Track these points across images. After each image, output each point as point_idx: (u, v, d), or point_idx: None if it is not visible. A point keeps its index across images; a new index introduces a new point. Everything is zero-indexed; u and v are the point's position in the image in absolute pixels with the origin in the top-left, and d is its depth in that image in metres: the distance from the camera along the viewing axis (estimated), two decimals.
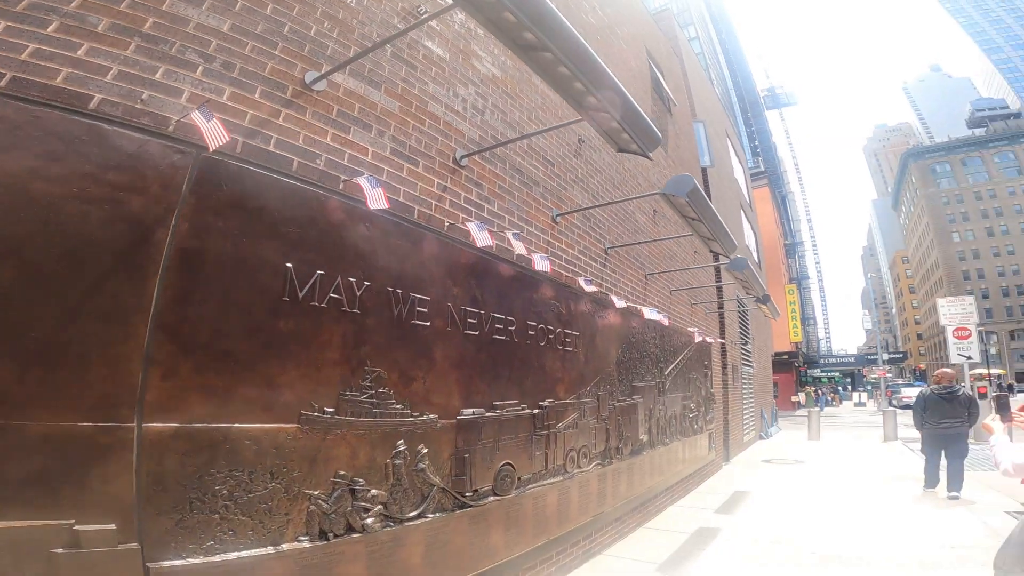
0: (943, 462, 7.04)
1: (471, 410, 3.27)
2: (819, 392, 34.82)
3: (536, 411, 3.98)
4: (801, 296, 39.66)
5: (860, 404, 36.30)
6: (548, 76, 2.67)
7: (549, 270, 3.94)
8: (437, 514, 2.93)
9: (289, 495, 2.16)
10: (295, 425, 2.21)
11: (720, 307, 10.93)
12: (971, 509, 5.95)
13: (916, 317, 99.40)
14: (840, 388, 45.21)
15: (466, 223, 3.38)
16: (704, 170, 12.38)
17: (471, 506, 3.22)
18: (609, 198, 6.09)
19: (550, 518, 4.13)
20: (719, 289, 10.86)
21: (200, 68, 2.28)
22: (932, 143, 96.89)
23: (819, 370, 45.06)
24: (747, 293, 7.82)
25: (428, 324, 2.99)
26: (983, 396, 13.83)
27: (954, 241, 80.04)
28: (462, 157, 3.71)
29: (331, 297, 2.43)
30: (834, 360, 52.21)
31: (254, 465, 2.04)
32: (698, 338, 8.45)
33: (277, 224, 2.27)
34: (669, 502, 6.94)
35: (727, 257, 5.55)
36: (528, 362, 3.96)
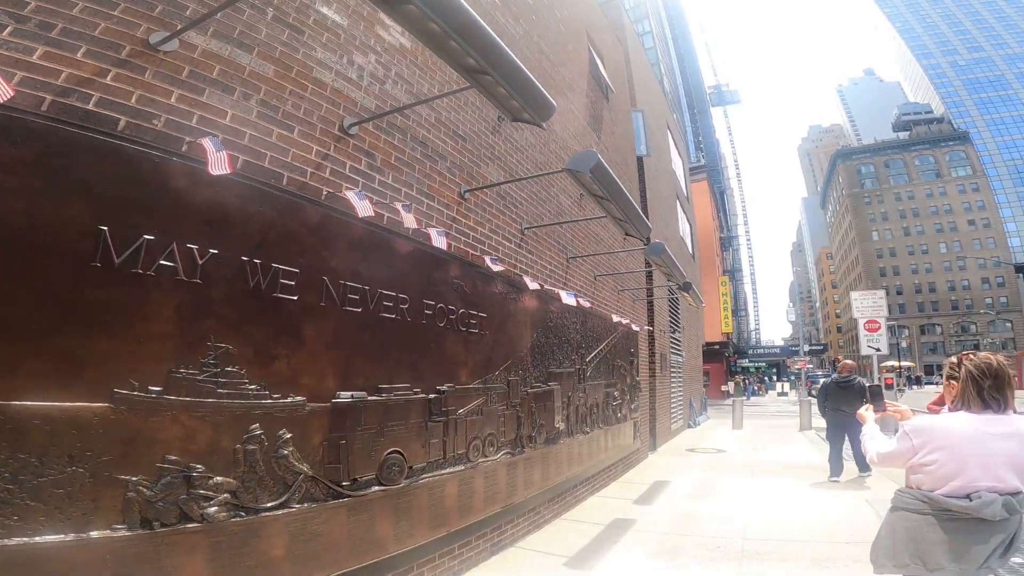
0: (849, 451, 7.63)
1: (349, 393, 3.07)
2: (747, 382, 36.55)
3: (432, 396, 3.83)
4: (734, 288, 41.42)
5: (783, 394, 38.35)
6: (421, 35, 2.50)
7: (446, 246, 3.78)
8: (305, 504, 2.73)
9: (97, 480, 1.91)
10: (106, 404, 1.95)
11: (649, 294, 11.14)
12: (869, 501, 6.23)
13: (837, 311, 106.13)
14: (766, 378, 47.65)
15: (346, 192, 3.16)
16: (640, 159, 12.54)
17: (349, 496, 3.04)
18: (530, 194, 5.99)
19: (450, 509, 3.99)
20: (649, 276, 11.07)
21: (8, 29, 2.03)
22: (860, 145, 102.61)
23: (747, 360, 47.32)
24: (668, 280, 7.94)
25: (295, 298, 2.77)
26: (889, 387, 14.78)
27: (873, 239, 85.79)
28: (351, 125, 3.48)
29: (161, 264, 2.17)
30: (762, 351, 55.00)
31: (46, 447, 1.78)
32: (624, 325, 8.56)
33: (91, 185, 2.00)
34: (590, 492, 6.98)
35: (641, 240, 5.55)
36: (424, 343, 3.80)
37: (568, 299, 5.73)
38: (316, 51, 3.39)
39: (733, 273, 43.67)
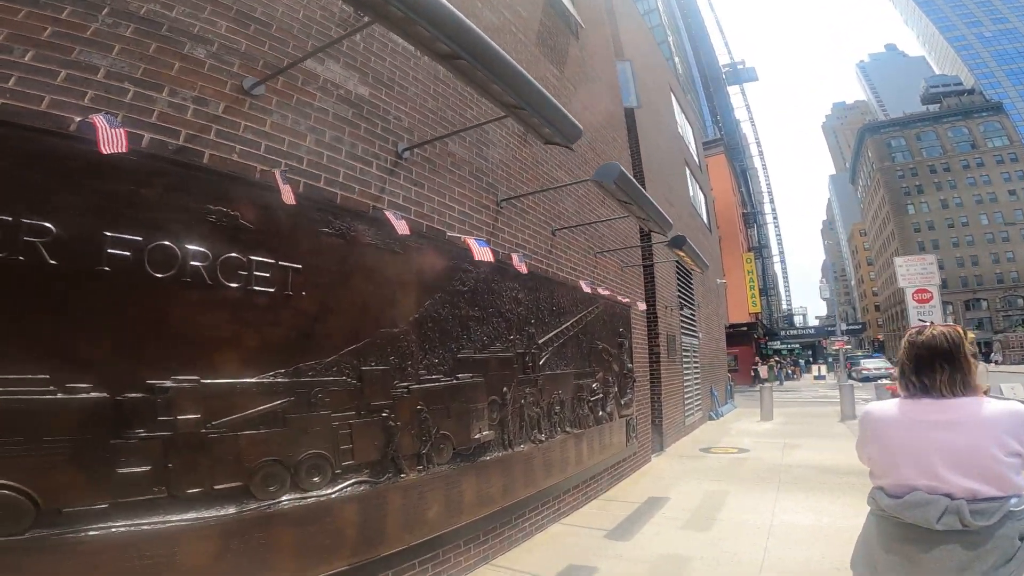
0: None
1: None
2: (780, 365, 33.73)
3: (132, 397, 2.05)
4: (761, 266, 38.46)
5: (820, 377, 35.28)
6: None
7: (124, 146, 1.97)
8: None
9: None
10: None
11: (646, 259, 9.18)
12: None
13: (874, 289, 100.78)
14: (801, 360, 44.40)
15: None
16: (629, 111, 10.75)
17: None
18: (420, 88, 4.14)
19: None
20: (646, 236, 9.13)
21: None
22: (888, 119, 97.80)
23: (779, 342, 44.16)
24: (644, 223, 5.95)
25: None
26: None
27: (909, 213, 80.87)
28: None
29: None
30: (795, 332, 51.52)
31: None
32: (607, 298, 6.65)
33: None
34: (553, 518, 5.13)
35: (568, 147, 3.63)
36: (102, 306, 2.02)
37: (482, 251, 3.88)
38: None
39: (760, 250, 40.63)
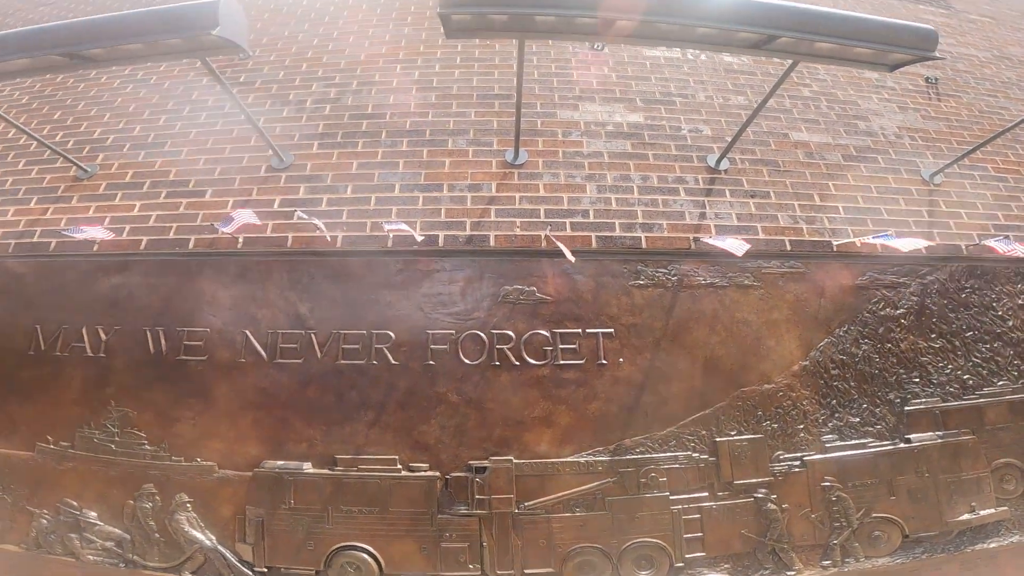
0: None
1: (280, 462, 2.42)
2: None
3: (455, 476, 2.39)
4: None
5: None
6: None
7: (401, 240, 2.40)
8: None
9: (15, 507, 2.42)
10: (30, 453, 2.46)
11: None
12: None
13: None
14: None
15: (301, 217, 2.57)
16: None
17: None
18: (713, 88, 2.87)
19: None
20: None
21: None
22: None
23: None
24: None
25: (204, 358, 2.54)
26: None
27: None
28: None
29: (74, 346, 2.57)
30: None
31: None
32: None
33: (33, 296, 2.67)
34: None
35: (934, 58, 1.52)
36: (426, 396, 2.49)
37: (905, 244, 2.20)
38: None
39: None
